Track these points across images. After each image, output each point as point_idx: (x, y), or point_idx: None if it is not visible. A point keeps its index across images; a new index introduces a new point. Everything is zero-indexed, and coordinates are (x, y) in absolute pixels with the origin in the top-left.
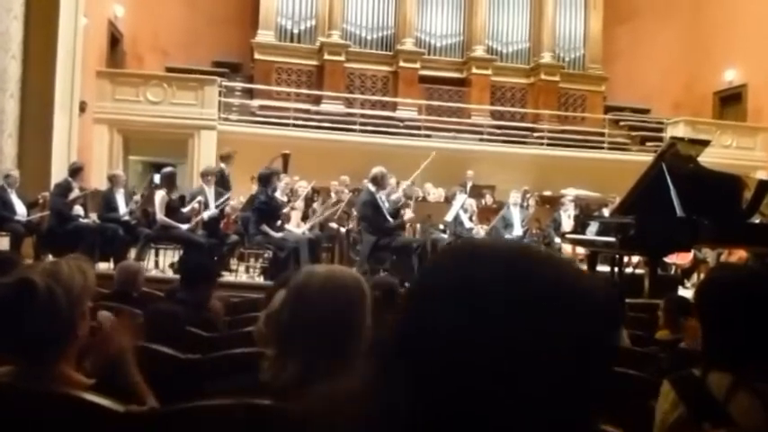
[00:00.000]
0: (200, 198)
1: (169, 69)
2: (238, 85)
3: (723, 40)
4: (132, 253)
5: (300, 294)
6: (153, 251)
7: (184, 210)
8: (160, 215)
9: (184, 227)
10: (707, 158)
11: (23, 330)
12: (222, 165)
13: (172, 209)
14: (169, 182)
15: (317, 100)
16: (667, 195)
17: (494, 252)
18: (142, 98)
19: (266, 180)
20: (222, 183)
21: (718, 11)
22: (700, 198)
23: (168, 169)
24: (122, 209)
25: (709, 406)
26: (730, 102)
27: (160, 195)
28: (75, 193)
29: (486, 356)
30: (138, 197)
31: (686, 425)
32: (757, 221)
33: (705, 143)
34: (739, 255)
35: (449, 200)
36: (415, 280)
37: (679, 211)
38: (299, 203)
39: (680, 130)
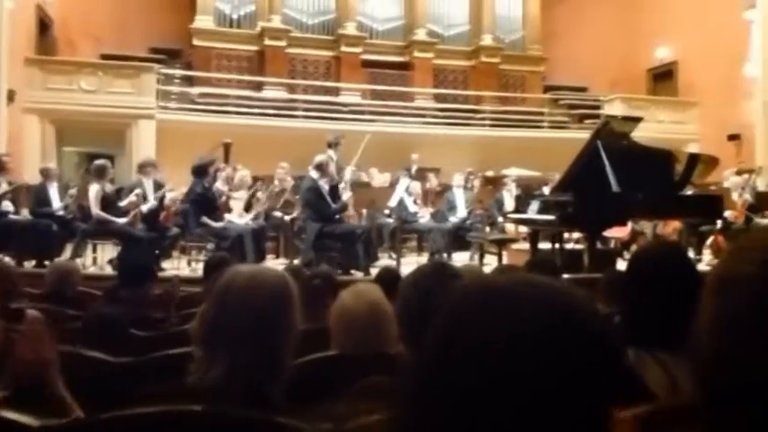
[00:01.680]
0: (138, 191)
1: (104, 56)
2: (177, 72)
3: (655, 18)
4: (68, 250)
5: (224, 294)
6: (90, 247)
7: (122, 203)
8: (95, 209)
9: (122, 221)
10: (643, 134)
11: None
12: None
13: (109, 202)
14: (100, 175)
15: (258, 86)
16: (603, 172)
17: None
18: (76, 86)
19: (201, 171)
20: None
21: None
22: (634, 173)
23: (99, 162)
24: (56, 203)
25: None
26: (662, 78)
27: (94, 189)
28: (4, 187)
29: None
30: (73, 191)
31: None
32: (689, 193)
33: (637, 120)
34: (673, 225)
35: (394, 185)
36: (441, 331)
37: (614, 187)
38: (241, 193)
39: (616, 107)
